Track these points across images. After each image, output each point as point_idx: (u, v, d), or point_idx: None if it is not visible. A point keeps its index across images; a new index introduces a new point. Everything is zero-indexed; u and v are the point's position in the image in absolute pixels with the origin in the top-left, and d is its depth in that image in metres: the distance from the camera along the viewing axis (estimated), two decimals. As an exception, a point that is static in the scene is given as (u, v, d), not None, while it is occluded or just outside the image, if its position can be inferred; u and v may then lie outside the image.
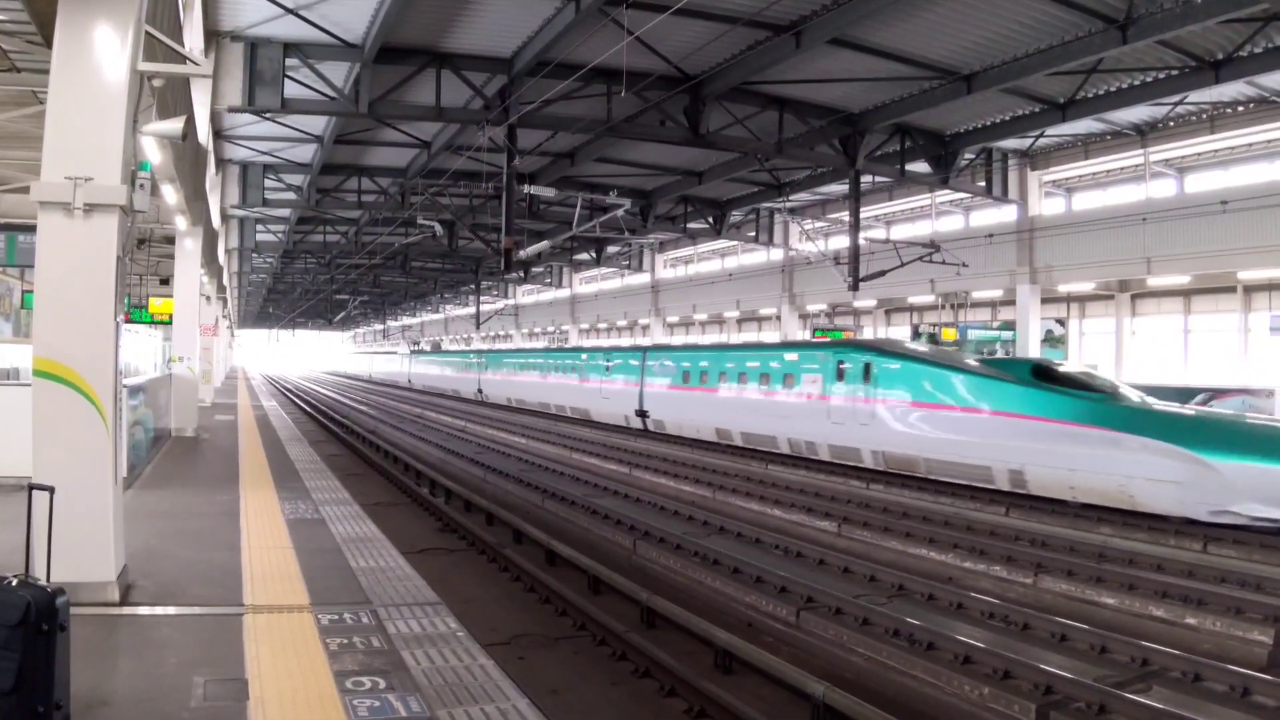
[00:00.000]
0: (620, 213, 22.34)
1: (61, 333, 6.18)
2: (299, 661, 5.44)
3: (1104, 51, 14.94)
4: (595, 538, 13.54)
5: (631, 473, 20.35)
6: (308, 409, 39.87)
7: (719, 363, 25.02)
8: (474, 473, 20.44)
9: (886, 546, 12.83)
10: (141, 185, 6.65)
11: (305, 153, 22.80)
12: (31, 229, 10.97)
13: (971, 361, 18.21)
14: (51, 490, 4.75)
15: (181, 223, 17.77)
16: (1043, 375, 16.13)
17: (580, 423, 33.34)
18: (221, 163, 23.37)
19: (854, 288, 22.33)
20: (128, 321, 16.02)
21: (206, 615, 6.33)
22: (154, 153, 10.55)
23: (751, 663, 7.64)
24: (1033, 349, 25.22)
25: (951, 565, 11.76)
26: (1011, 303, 27.08)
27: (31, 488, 4.86)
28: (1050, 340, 27.11)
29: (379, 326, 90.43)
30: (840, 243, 30.32)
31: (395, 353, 78.39)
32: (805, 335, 34.49)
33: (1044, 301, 26.67)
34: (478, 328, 49.81)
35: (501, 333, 65.78)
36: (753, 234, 34.07)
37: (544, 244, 25.69)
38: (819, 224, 32.00)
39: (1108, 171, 25.37)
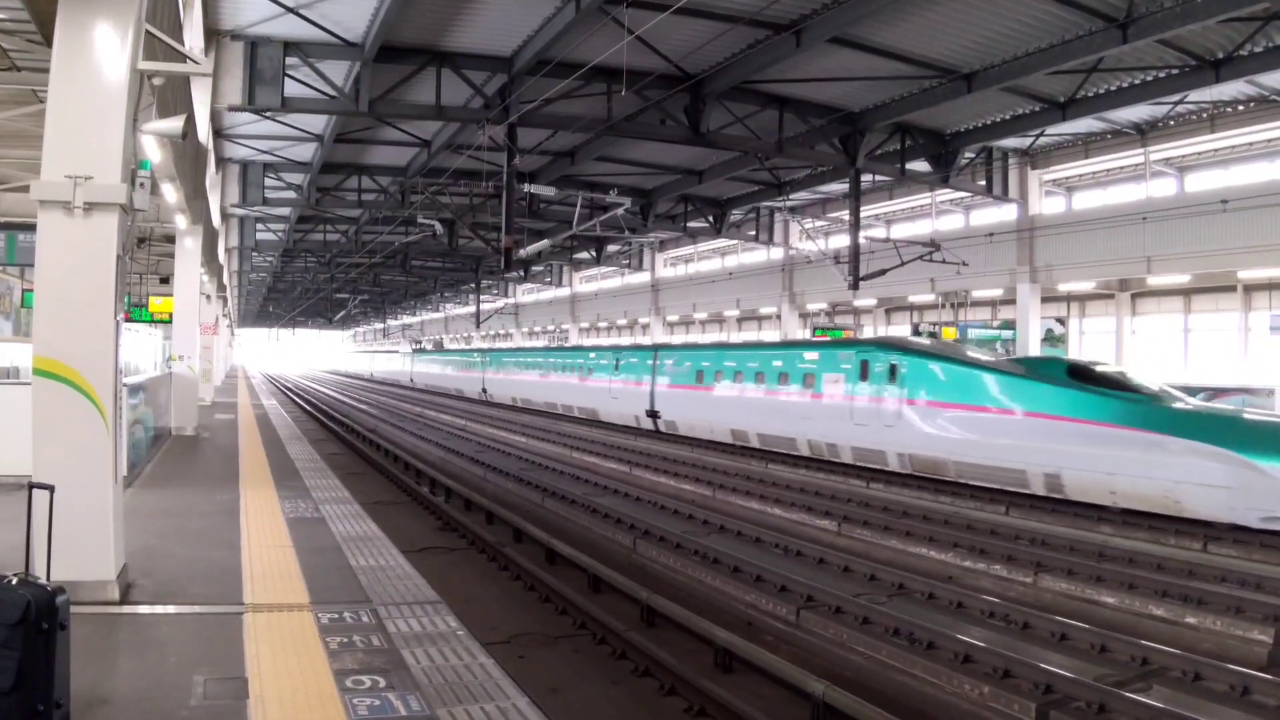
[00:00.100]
0: (620, 212, 22.34)
1: (61, 332, 6.18)
2: (299, 660, 5.44)
3: (1104, 50, 14.92)
4: (595, 536, 13.54)
5: (631, 472, 20.36)
6: (308, 408, 39.87)
7: (735, 362, 24.30)
8: (474, 471, 20.45)
9: (886, 545, 12.83)
10: (141, 184, 6.65)
11: (305, 151, 22.78)
12: (31, 228, 10.98)
13: (1003, 361, 17.73)
14: (51, 489, 4.76)
15: (181, 221, 17.77)
16: (1079, 375, 15.59)
17: (580, 422, 33.28)
18: (221, 161, 23.36)
19: (854, 287, 22.31)
20: (128, 320, 16.04)
21: (206, 614, 6.33)
22: (154, 151, 10.55)
23: (751, 661, 7.64)
24: (1033, 348, 25.21)
25: (951, 564, 11.77)
26: (1011, 302, 27.08)
27: (31, 486, 4.87)
28: (1050, 339, 27.10)
29: (379, 325, 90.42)
30: (840, 242, 30.33)
31: (397, 352, 78.29)
32: (805, 334, 34.47)
33: (1044, 300, 26.66)
34: (478, 327, 49.79)
35: (501, 332, 65.78)
36: (753, 233, 34.05)
37: (544, 243, 25.64)
38: (819, 223, 31.99)
39: (1108, 171, 25.36)
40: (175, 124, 7.40)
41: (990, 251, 26.50)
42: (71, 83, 6.17)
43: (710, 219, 31.39)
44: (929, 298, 30.59)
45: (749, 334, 42.38)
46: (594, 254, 41.34)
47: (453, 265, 46.27)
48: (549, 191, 21.91)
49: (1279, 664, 8.25)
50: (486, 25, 15.31)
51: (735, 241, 36.52)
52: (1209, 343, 25.08)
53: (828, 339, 27.16)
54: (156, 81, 7.32)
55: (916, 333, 29.78)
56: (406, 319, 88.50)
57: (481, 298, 50.62)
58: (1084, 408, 14.77)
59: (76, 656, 4.39)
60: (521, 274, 47.07)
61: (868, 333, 35.22)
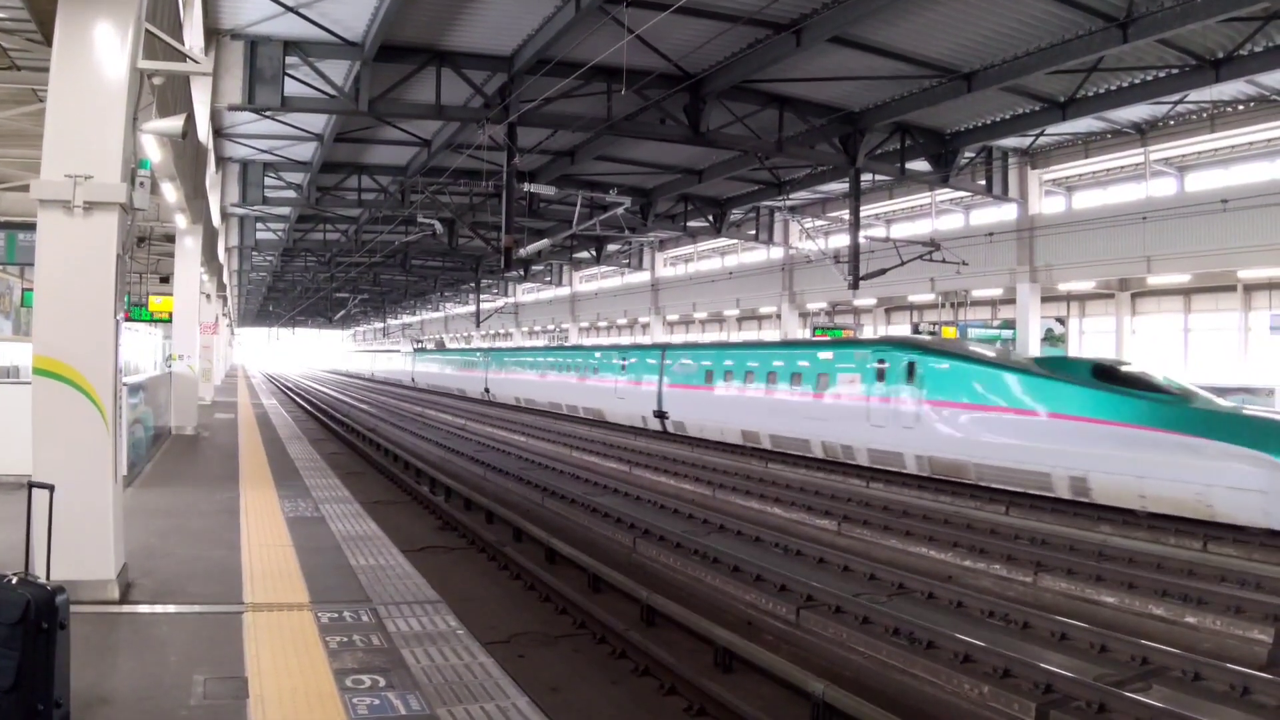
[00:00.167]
0: (620, 211, 22.33)
1: (61, 331, 6.18)
2: (299, 660, 5.44)
3: (1104, 50, 14.92)
4: (595, 536, 13.55)
5: (631, 471, 20.36)
6: (308, 407, 39.87)
7: (746, 361, 23.77)
8: (474, 471, 20.45)
9: (886, 545, 12.83)
10: (141, 183, 6.65)
11: (305, 151, 22.78)
12: (31, 227, 10.98)
13: (1026, 361, 17.28)
14: (51, 488, 4.75)
15: (181, 221, 17.77)
16: (1105, 376, 15.14)
17: (580, 421, 33.24)
18: (221, 161, 23.36)
19: (854, 286, 22.31)
20: (127, 319, 16.03)
21: (206, 613, 6.33)
22: (154, 151, 10.55)
23: (751, 661, 7.64)
24: (1033, 348, 25.21)
25: (951, 564, 11.77)
26: (1011, 301, 27.07)
27: (31, 486, 4.86)
28: (1050, 339, 27.10)
29: (379, 325, 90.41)
30: (840, 241, 30.32)
31: (398, 351, 78.14)
32: (805, 334, 34.47)
33: (1044, 300, 26.66)
34: (478, 326, 49.78)
35: (502, 331, 65.78)
36: (753, 232, 34.05)
37: (544, 242, 25.64)
38: (819, 222, 32.00)
39: (1108, 170, 25.35)
40: (175, 123, 7.40)
41: (990, 251, 26.50)
42: (71, 82, 6.17)
43: (710, 218, 31.39)
44: (929, 297, 30.58)
45: (749, 333, 42.38)
46: (594, 253, 41.33)
47: (453, 265, 46.27)
48: (549, 191, 21.90)
49: (1279, 664, 8.25)
50: (486, 24, 15.30)
51: (735, 241, 36.52)
52: (1209, 342, 25.08)
53: (846, 338, 26.56)
54: (156, 81, 7.33)
55: (916, 331, 29.76)
56: (406, 318, 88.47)
57: (481, 297, 50.60)
58: (1112, 409, 14.33)
59: (76, 656, 4.38)
60: (521, 273, 47.09)
61: (868, 332, 35.20)
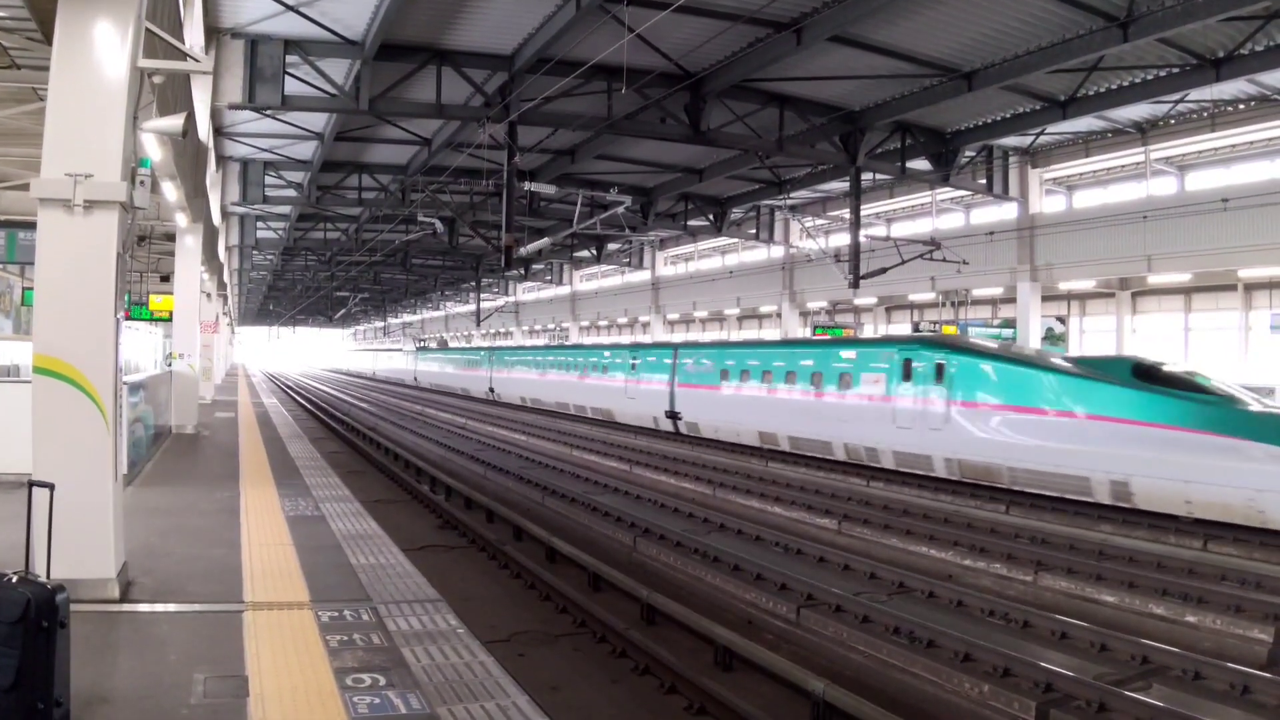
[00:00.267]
0: (621, 210, 22.31)
1: (62, 330, 6.18)
2: (299, 658, 5.44)
3: (1105, 49, 14.92)
4: (595, 535, 13.55)
5: (631, 470, 20.36)
6: (308, 406, 39.87)
7: (764, 360, 23.10)
8: (474, 470, 20.45)
9: (887, 544, 12.83)
10: (142, 182, 6.66)
11: (306, 150, 22.77)
12: (32, 226, 10.98)
13: (1061, 360, 16.75)
14: (51, 487, 4.76)
15: (182, 220, 17.76)
16: (1146, 375, 14.57)
17: (581, 420, 33.22)
18: (222, 160, 23.36)
19: (854, 285, 22.30)
20: (128, 318, 16.04)
21: (206, 612, 6.33)
22: (154, 149, 10.54)
23: (752, 660, 7.64)
24: (1034, 347, 25.19)
25: (951, 563, 11.76)
26: (1012, 300, 27.07)
27: (31, 484, 4.87)
28: (1051, 338, 27.10)
29: (379, 324, 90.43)
30: (841, 240, 30.31)
31: (400, 350, 77.97)
32: (806, 333, 34.47)
33: (1044, 299, 26.65)
34: (478, 325, 49.79)
35: (502, 330, 65.79)
36: (753, 231, 34.05)
37: (544, 241, 25.64)
38: (819, 221, 32.00)
39: (1108, 169, 25.35)
40: (175, 122, 7.40)
41: (990, 250, 26.49)
42: (72, 81, 6.17)
43: (710, 217, 31.39)
44: (929, 296, 30.58)
45: (749, 332, 42.38)
46: (594, 252, 41.35)
47: (453, 263, 46.26)
48: (549, 190, 21.91)
49: (1279, 663, 8.25)
50: (487, 23, 15.30)
51: (735, 240, 36.52)
52: (1209, 341, 25.06)
53: (869, 336, 26.01)
54: (157, 79, 7.34)
55: (917, 330, 29.76)
56: (407, 317, 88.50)
57: (482, 296, 50.58)
58: (1155, 410, 13.75)
59: (76, 654, 4.39)
60: (522, 272, 47.12)
61: (868, 331, 35.20)
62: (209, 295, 28.86)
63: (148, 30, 6.64)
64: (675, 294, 43.08)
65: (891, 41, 16.01)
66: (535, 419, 34.31)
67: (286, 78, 15.31)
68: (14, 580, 4.09)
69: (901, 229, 30.34)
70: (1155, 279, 24.47)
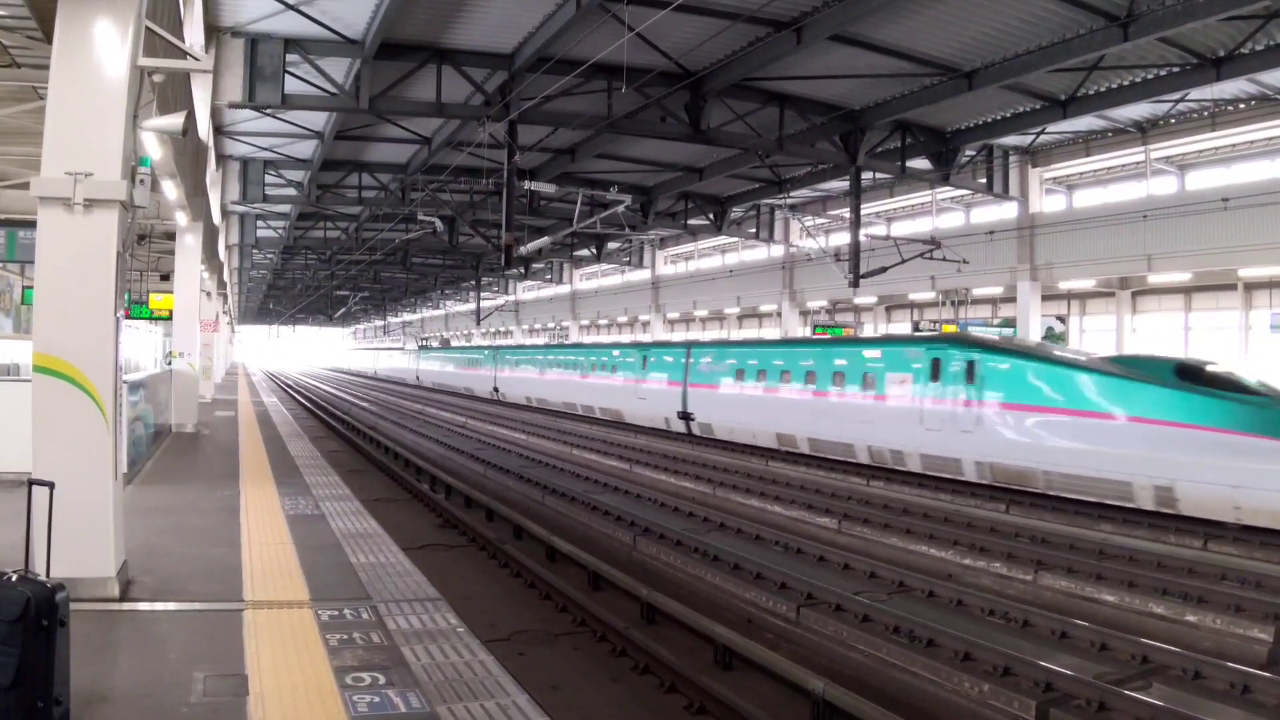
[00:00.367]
0: (621, 209, 22.31)
1: (62, 328, 6.18)
2: (299, 657, 5.44)
3: (1105, 48, 14.91)
4: (595, 534, 13.55)
5: (631, 469, 20.36)
6: (308, 405, 39.86)
7: (783, 360, 22.34)
8: (474, 468, 20.45)
9: (887, 543, 12.83)
10: (142, 181, 6.66)
11: (306, 148, 22.77)
12: (32, 224, 10.97)
13: (1099, 359, 16.08)
14: (51, 486, 4.76)
15: (182, 218, 17.77)
16: (1189, 376, 14.06)
17: (581, 419, 33.20)
18: (222, 158, 23.35)
19: (855, 284, 22.30)
20: (128, 317, 16.02)
21: (206, 611, 6.33)
22: (154, 148, 10.55)
23: (752, 659, 7.64)
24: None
25: (951, 562, 11.77)
26: (1012, 299, 27.06)
27: (31, 483, 4.87)
28: (1051, 338, 27.08)
29: (380, 322, 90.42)
30: (841, 239, 30.30)
31: (402, 348, 77.76)
32: (806, 332, 34.46)
33: (1044, 298, 26.64)
34: (478, 323, 49.77)
35: (502, 329, 65.78)
36: (753, 230, 34.04)
37: (544, 240, 25.64)
38: (820, 220, 31.99)
39: (1108, 168, 25.33)
40: (175, 121, 7.40)
41: (990, 249, 26.49)
42: (72, 79, 6.17)
43: (710, 216, 31.39)
44: (929, 295, 30.57)
45: (749, 331, 42.38)
46: (594, 251, 41.34)
47: (453, 262, 46.25)
48: (549, 189, 21.90)
49: (1279, 662, 8.25)
50: (487, 22, 15.30)
51: (736, 239, 36.52)
52: (1209, 341, 25.03)
53: (896, 334, 24.91)
54: (157, 78, 7.34)
55: (917, 329, 29.73)
56: (407, 316, 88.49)
57: (482, 295, 50.57)
58: (1202, 412, 13.22)
59: (76, 653, 4.39)
60: (522, 271, 47.10)
61: (868, 330, 35.18)
62: (209, 294, 28.86)
63: (148, 29, 6.64)
64: (675, 293, 43.08)
65: (892, 40, 16.00)
66: (535, 418, 34.30)
67: (286, 76, 15.31)
68: (14, 579, 4.09)
69: (901, 228, 30.33)
70: (1155, 278, 24.46)
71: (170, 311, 21.62)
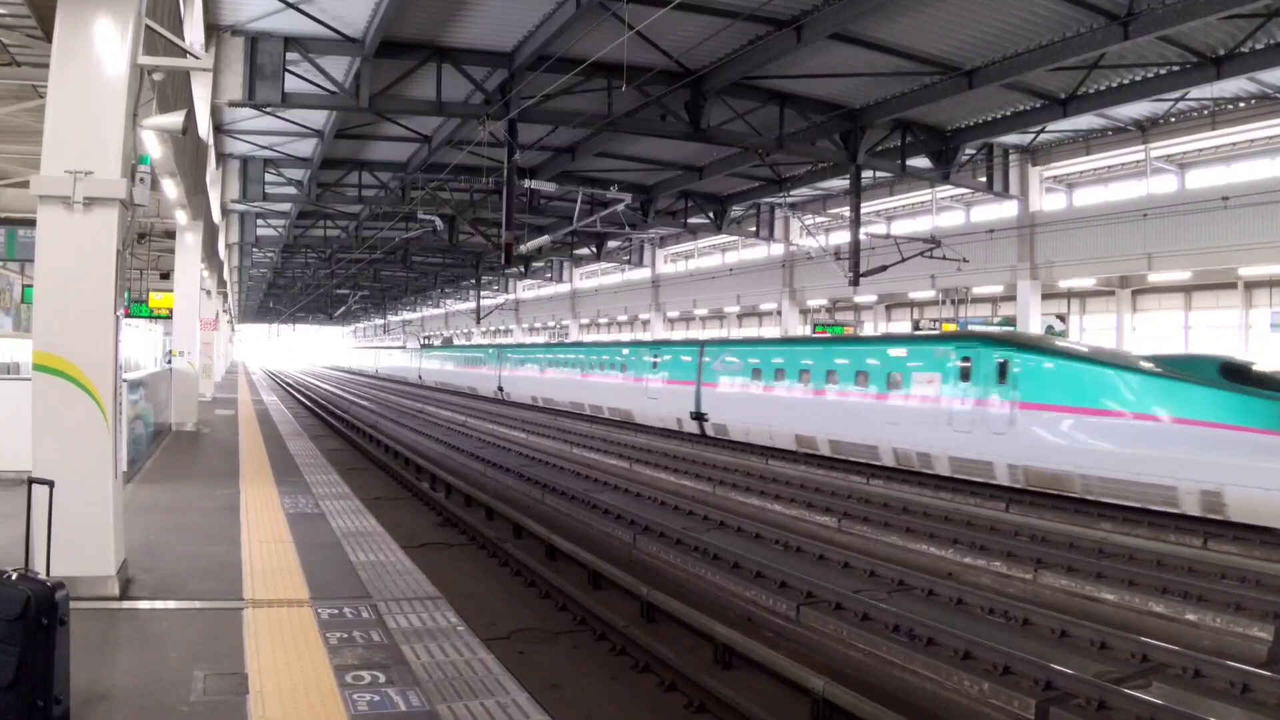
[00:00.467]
0: (621, 208, 22.32)
1: (61, 327, 6.18)
2: (299, 656, 5.44)
3: (1105, 47, 14.91)
4: (595, 532, 13.54)
5: (631, 468, 20.35)
6: (308, 404, 39.85)
7: (802, 358, 21.68)
8: (474, 467, 20.45)
9: (886, 542, 12.83)
10: (141, 179, 6.67)
11: (306, 147, 22.77)
12: (32, 223, 10.97)
13: (1138, 358, 15.50)
14: (51, 484, 4.76)
15: (182, 217, 17.77)
16: (1235, 376, 13.54)
17: (581, 418, 33.17)
18: (222, 157, 23.35)
19: (855, 283, 22.30)
20: (127, 316, 16.03)
21: (206, 609, 6.33)
22: (154, 147, 10.55)
23: (751, 657, 7.64)
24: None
25: (951, 560, 11.76)
26: (1012, 298, 27.08)
27: (31, 481, 4.86)
28: (1051, 336, 27.08)
29: (380, 321, 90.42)
30: (841, 238, 30.31)
31: (404, 347, 77.57)
32: (806, 330, 34.46)
33: (1045, 297, 26.67)
34: (478, 322, 49.76)
35: (502, 327, 65.79)
36: (753, 229, 34.06)
37: (544, 239, 25.66)
38: (820, 219, 32.00)
39: (1109, 167, 25.35)
40: (175, 119, 7.40)
41: (991, 248, 26.49)
42: (71, 78, 6.16)
43: (711, 215, 31.39)
44: (929, 294, 30.57)
45: (749, 330, 42.39)
46: (594, 250, 41.36)
47: (453, 261, 46.26)
48: (549, 187, 21.90)
49: (1279, 661, 8.25)
50: (487, 21, 15.30)
51: (736, 237, 36.53)
52: (1210, 340, 25.05)
53: (923, 332, 24.40)
54: (156, 77, 7.33)
55: (918, 328, 29.74)
56: (407, 314, 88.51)
57: (482, 294, 50.56)
58: (1252, 414, 12.63)
59: (76, 652, 4.39)
60: (522, 270, 47.12)
61: (868, 329, 35.19)
62: (209, 292, 28.85)
63: (147, 27, 6.63)
64: (675, 291, 43.08)
65: (892, 39, 16.00)
66: (535, 417, 34.29)
67: (286, 75, 15.32)
68: (14, 577, 4.09)
69: (901, 227, 30.35)
70: (1155, 277, 24.47)
71: (170, 310, 21.64)
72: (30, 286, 18.79)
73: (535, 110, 17.06)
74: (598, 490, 16.94)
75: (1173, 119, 21.80)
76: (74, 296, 6.17)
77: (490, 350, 48.22)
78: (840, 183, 27.65)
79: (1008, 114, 20.78)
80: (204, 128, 16.36)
